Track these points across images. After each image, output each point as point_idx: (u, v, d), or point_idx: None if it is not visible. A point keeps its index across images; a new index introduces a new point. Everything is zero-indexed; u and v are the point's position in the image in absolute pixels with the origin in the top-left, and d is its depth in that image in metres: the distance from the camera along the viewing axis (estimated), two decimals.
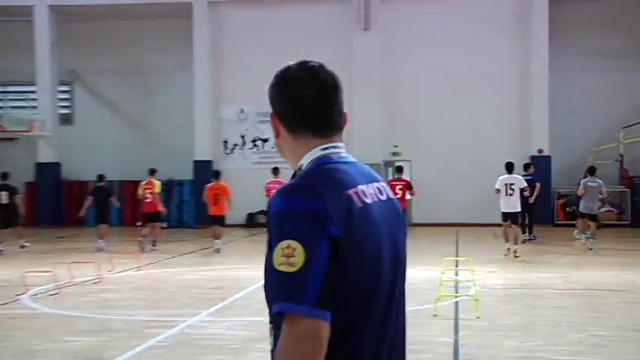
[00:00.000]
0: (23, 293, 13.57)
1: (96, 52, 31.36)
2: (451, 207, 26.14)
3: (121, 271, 16.61)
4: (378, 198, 2.54)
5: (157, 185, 23.35)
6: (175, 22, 30.59)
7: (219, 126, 30.26)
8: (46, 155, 30.73)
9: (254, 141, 29.77)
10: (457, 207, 26.09)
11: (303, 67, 2.57)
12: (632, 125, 25.66)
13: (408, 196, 22.21)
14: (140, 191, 23.08)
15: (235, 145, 30.07)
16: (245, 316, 11.20)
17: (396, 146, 28.18)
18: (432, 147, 27.37)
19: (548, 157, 26.80)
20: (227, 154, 30.00)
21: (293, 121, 2.53)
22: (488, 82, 27.65)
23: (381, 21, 28.34)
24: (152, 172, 23.38)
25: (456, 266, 15.17)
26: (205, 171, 27.90)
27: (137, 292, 14.48)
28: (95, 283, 14.87)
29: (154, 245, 22.24)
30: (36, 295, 13.60)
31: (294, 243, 2.23)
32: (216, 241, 21.99)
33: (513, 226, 19.26)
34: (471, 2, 28.11)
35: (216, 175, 23.08)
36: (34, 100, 31.60)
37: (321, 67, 2.57)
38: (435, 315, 10.51)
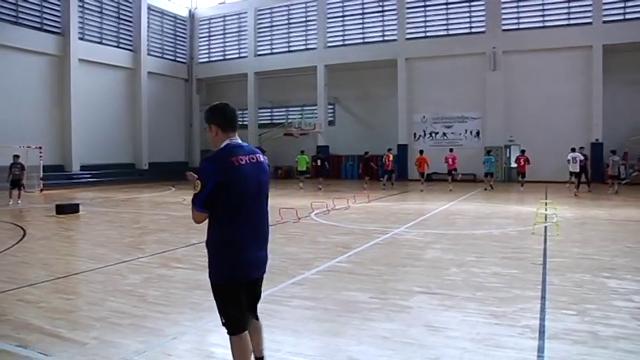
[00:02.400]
0: (311, 212, 14.12)
1: (347, 86, 32.76)
2: (543, 171, 25.45)
3: (359, 203, 16.80)
4: (249, 161, 3.24)
5: (392, 156, 24.78)
6: (388, 69, 30.33)
7: (411, 125, 30.53)
8: (321, 141, 31.65)
9: (430, 133, 30.26)
10: (547, 171, 25.54)
11: (225, 104, 3.35)
12: None
13: (526, 165, 22.50)
14: (384, 159, 24.37)
15: (420, 135, 30.46)
16: (425, 229, 11.08)
17: (511, 136, 28.02)
18: (532, 136, 26.91)
19: (602, 144, 25.69)
20: (415, 140, 30.33)
21: (222, 127, 3.30)
22: (566, 99, 26.93)
23: (503, 65, 27.97)
24: (389, 149, 24.96)
25: (546, 205, 14.50)
26: (404, 150, 29.77)
27: (368, 214, 14.20)
28: (346, 209, 15.17)
29: (392, 185, 24.01)
30: (317, 213, 13.99)
31: (199, 181, 3.15)
32: (421, 185, 22.98)
33: (575, 180, 20.60)
34: (556, 53, 26.90)
35: (421, 152, 24.07)
36: (315, 112, 32.50)
37: (229, 104, 3.36)
38: (533, 233, 10.22)
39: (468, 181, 27.21)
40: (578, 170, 20.67)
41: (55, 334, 4.73)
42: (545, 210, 13.94)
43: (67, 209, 14.55)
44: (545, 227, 11.13)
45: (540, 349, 4.26)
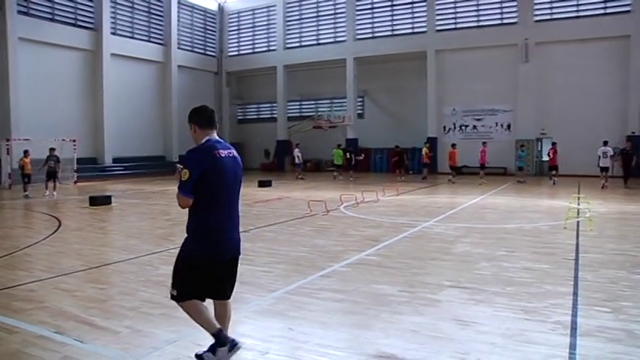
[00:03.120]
0: (340, 205, 14.05)
1: (376, 79, 32.54)
2: (575, 165, 24.65)
3: (389, 196, 16.77)
4: (228, 155, 3.62)
5: (428, 148, 25.18)
6: (417, 62, 30.11)
7: (441, 118, 30.24)
8: (351, 134, 31.72)
9: (460, 126, 29.95)
10: (579, 165, 24.58)
11: (202, 106, 3.77)
12: None
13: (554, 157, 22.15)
14: (423, 152, 24.95)
15: (450, 128, 30.17)
16: (455, 223, 10.95)
17: (543, 129, 27.45)
18: (565, 129, 26.16)
19: (638, 136, 24.65)
20: (445, 133, 30.06)
21: (199, 124, 3.68)
22: (601, 90, 26.07)
23: (535, 56, 27.37)
24: (426, 142, 25.36)
25: (578, 199, 14.50)
26: (433, 142, 28.90)
27: (397, 207, 14.08)
28: (375, 202, 15.16)
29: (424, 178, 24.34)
30: (346, 206, 13.97)
31: (186, 170, 3.47)
32: (452, 178, 23.02)
33: (605, 174, 20.02)
34: (591, 43, 26.11)
35: (454, 145, 24.25)
36: (345, 105, 32.44)
37: (208, 106, 3.80)
38: (564, 228, 10.00)
39: (499, 175, 26.87)
40: (608, 165, 20.28)
41: (89, 322, 4.85)
42: (578, 204, 13.73)
43: (100, 201, 14.89)
44: (578, 222, 10.87)
45: (572, 346, 4.17)
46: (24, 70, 24.78)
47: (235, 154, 3.74)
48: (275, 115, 35.84)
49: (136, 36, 31.38)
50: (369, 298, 5.59)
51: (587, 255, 7.68)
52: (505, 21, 28.84)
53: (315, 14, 34.63)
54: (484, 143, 23.92)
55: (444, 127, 30.47)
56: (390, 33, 31.91)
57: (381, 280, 6.30)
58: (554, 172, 22.17)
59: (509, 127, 28.94)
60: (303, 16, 35.03)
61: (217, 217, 3.60)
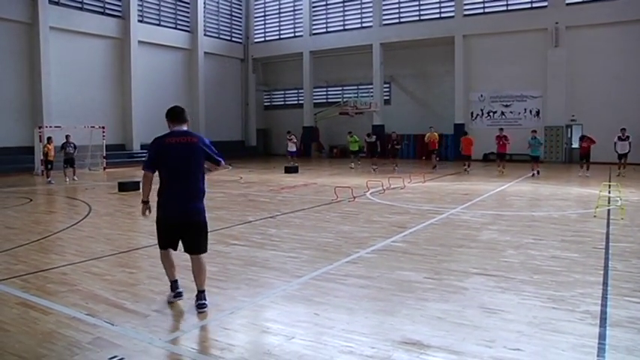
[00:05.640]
0: (366, 191, 14.14)
1: (403, 65, 32.30)
2: (605, 152, 22.97)
3: (415, 183, 16.66)
4: (178, 142, 4.65)
5: (436, 136, 23.85)
6: (444, 47, 29.58)
7: (468, 104, 29.68)
8: (377, 120, 31.46)
9: (488, 112, 29.33)
10: (608, 152, 22.57)
11: (171, 107, 4.80)
12: None
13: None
14: (426, 139, 24.12)
15: (477, 115, 29.61)
16: (481, 210, 10.83)
17: (573, 116, 26.71)
18: (596, 116, 25.43)
19: None
20: (472, 120, 29.59)
21: (168, 120, 4.73)
22: (634, 76, 25.08)
23: (566, 40, 26.52)
24: (430, 127, 24.39)
25: (609, 187, 13.94)
26: (459, 129, 28.47)
27: (423, 194, 14.00)
28: (401, 188, 15.03)
29: (434, 168, 22.73)
30: (372, 192, 14.01)
31: (148, 153, 4.77)
32: (466, 167, 21.88)
33: (622, 160, 20.35)
34: (624, 26, 25.14)
35: (465, 133, 23.60)
36: (371, 91, 32.20)
37: (176, 107, 4.80)
38: (594, 216, 9.81)
39: (527, 162, 26.38)
40: (626, 151, 20.29)
41: (119, 305, 4.97)
42: (609, 192, 13.37)
43: (128, 187, 15.15)
44: (609, 210, 10.64)
45: (601, 336, 4.11)
46: (55, 58, 25.22)
47: (190, 140, 4.61)
48: (301, 102, 35.79)
49: (162, 23, 31.58)
50: (394, 284, 5.59)
51: (617, 244, 7.52)
52: (535, 4, 28.13)
53: (341, 0, 34.32)
54: (500, 130, 22.07)
55: (472, 113, 30.00)
56: (416, 18, 31.42)
57: (406, 267, 6.30)
58: (584, 162, 20.26)
59: (538, 113, 28.35)
60: (330, 2, 34.72)
61: (165, 189, 4.70)
